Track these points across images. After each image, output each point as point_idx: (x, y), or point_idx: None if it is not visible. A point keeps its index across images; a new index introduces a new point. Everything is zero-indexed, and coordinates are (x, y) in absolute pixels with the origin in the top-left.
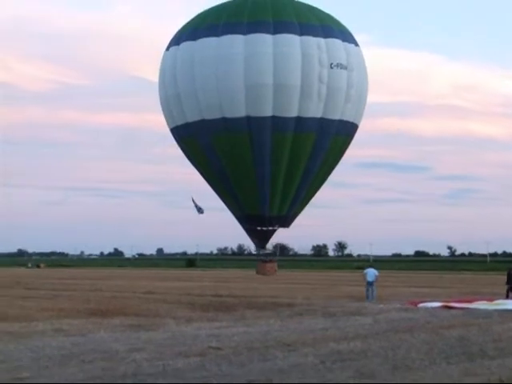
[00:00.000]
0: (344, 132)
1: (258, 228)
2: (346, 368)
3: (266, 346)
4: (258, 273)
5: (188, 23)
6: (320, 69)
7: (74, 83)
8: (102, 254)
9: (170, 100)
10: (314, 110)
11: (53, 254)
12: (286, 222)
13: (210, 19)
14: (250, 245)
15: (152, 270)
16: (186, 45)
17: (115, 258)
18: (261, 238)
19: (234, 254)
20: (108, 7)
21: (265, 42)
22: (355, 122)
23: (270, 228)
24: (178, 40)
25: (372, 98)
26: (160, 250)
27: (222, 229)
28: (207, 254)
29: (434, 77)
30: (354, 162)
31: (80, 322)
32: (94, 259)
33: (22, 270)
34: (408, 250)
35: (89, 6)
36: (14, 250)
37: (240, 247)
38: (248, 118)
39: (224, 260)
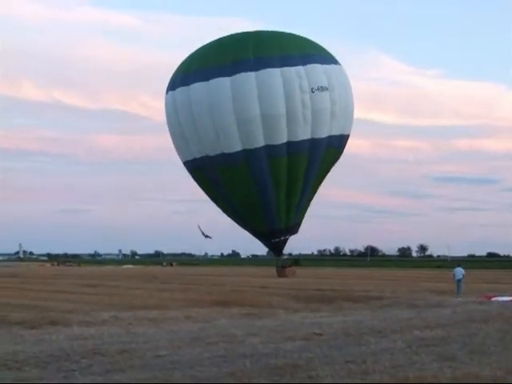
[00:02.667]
0: (334, 145)
1: (272, 240)
2: (429, 352)
3: (360, 332)
4: (279, 276)
5: (179, 67)
6: (302, 95)
7: None
8: (222, 254)
9: (177, 138)
10: (303, 133)
11: (183, 254)
12: (293, 230)
13: (197, 63)
14: (345, 247)
15: (263, 268)
16: (180, 90)
17: (233, 258)
18: (276, 248)
19: (331, 254)
20: None
21: (249, 79)
22: (344, 133)
23: (282, 238)
24: (173, 85)
25: (446, 121)
26: (270, 252)
27: (321, 233)
28: (309, 255)
29: (499, 103)
30: (433, 177)
31: (205, 310)
32: (215, 259)
33: (158, 268)
34: (481, 252)
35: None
36: (151, 251)
37: (337, 249)
38: (244, 151)
39: (323, 260)
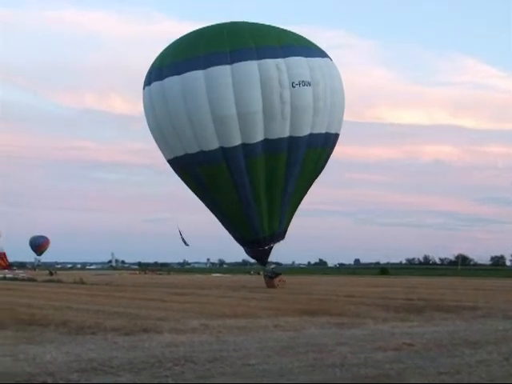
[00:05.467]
0: (318, 144)
1: (256, 249)
2: None
3: (453, 343)
4: (268, 287)
5: (154, 61)
6: (281, 90)
7: None
8: (309, 263)
9: (157, 136)
10: (281, 131)
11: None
12: (279, 237)
13: (171, 56)
14: (434, 255)
15: (351, 277)
16: (155, 84)
17: (320, 267)
18: (260, 258)
19: (420, 263)
20: None
21: (223, 73)
22: (330, 131)
23: (266, 247)
24: (149, 80)
25: None
26: (357, 260)
27: (410, 242)
28: (397, 264)
29: None
30: None
31: (294, 319)
32: (302, 268)
33: (246, 277)
34: None
35: None
36: (239, 260)
37: (426, 257)
38: (222, 149)
39: (412, 269)
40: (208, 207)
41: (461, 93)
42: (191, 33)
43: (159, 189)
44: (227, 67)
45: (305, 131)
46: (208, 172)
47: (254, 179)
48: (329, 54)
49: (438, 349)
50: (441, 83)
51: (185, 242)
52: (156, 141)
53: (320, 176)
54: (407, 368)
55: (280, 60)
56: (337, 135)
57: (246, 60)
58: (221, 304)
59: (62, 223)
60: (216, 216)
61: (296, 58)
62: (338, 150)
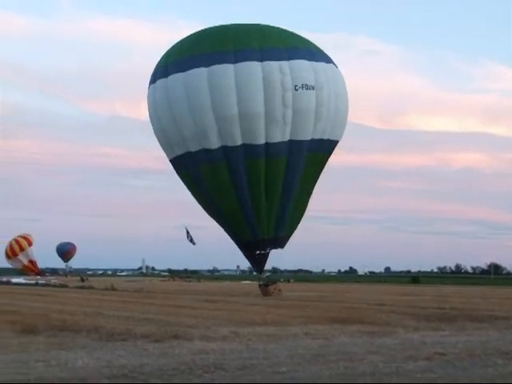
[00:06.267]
0: (319, 150)
1: (253, 252)
2: None
3: (486, 353)
4: (264, 295)
5: (161, 58)
6: (283, 92)
7: None
8: (339, 271)
9: (159, 134)
10: (281, 135)
11: (300, 271)
12: (278, 243)
13: (177, 53)
14: (466, 264)
15: (381, 285)
16: (160, 82)
17: (350, 275)
18: (258, 263)
19: (452, 272)
20: None
21: (227, 72)
22: (331, 138)
23: (263, 252)
24: (154, 78)
25: None
26: (387, 269)
27: (441, 250)
28: (428, 272)
29: None
30: None
31: (324, 327)
32: (332, 276)
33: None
34: None
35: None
36: (269, 267)
37: (458, 266)
38: (223, 148)
39: (443, 277)
40: (207, 209)
41: (492, 100)
42: (197, 32)
43: (189, 195)
44: (230, 66)
45: (306, 136)
46: (208, 171)
47: (252, 180)
48: (360, 61)
49: (471, 359)
50: (472, 90)
51: (192, 242)
52: (159, 140)
53: (350, 183)
54: (439, 378)
55: (284, 62)
56: (337, 142)
57: (250, 60)
58: (251, 311)
59: (93, 230)
60: (214, 218)
61: (300, 61)
62: (369, 158)
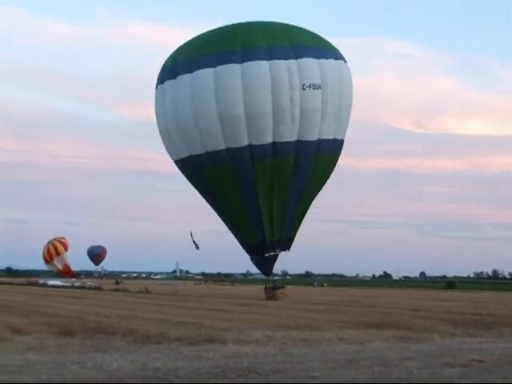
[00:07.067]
0: (326, 151)
1: (261, 255)
2: None
3: None
4: (268, 299)
5: (168, 59)
6: (291, 92)
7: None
8: (373, 276)
9: (164, 136)
10: (289, 134)
11: (333, 275)
12: (283, 244)
13: (184, 53)
14: (504, 270)
15: (416, 290)
16: (168, 83)
17: (384, 280)
18: (266, 265)
19: (489, 277)
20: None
21: (233, 72)
22: (337, 137)
23: (272, 253)
24: (162, 78)
25: None
26: (422, 273)
27: (478, 255)
28: (465, 278)
29: None
30: None
31: (358, 332)
32: (366, 280)
33: (308, 288)
34: None
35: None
36: (302, 271)
37: (495, 272)
38: (228, 150)
39: (480, 283)
40: (214, 209)
41: None
42: (205, 32)
43: None
44: (237, 66)
45: (313, 136)
46: (213, 172)
47: (259, 181)
48: (394, 65)
49: (510, 366)
50: (508, 92)
51: (196, 246)
52: (164, 142)
53: (386, 187)
54: None
55: (291, 61)
56: (342, 141)
57: (257, 60)
58: (284, 315)
59: (128, 233)
60: (222, 219)
61: (307, 59)
62: (405, 162)
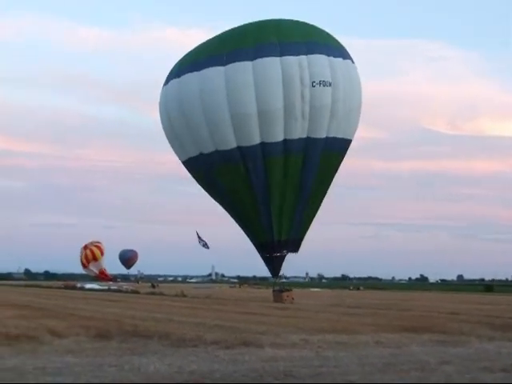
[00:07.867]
0: (334, 149)
1: (269, 255)
2: None
3: None
4: (275, 301)
5: (176, 63)
6: (302, 88)
7: (378, 137)
8: (409, 279)
9: (170, 136)
10: (300, 131)
11: (369, 278)
12: (293, 246)
13: (193, 56)
14: None
15: (453, 293)
16: (173, 82)
17: (421, 283)
18: (273, 265)
19: None
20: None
21: (244, 70)
22: (345, 137)
23: (279, 254)
24: (167, 79)
25: None
26: (460, 276)
27: None
28: (504, 281)
29: None
30: None
31: (395, 336)
32: (403, 283)
33: (345, 292)
34: None
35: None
36: (338, 274)
37: None
38: (239, 148)
39: None
40: (225, 208)
41: None
42: (215, 36)
43: None
44: (249, 64)
45: (322, 133)
46: (224, 171)
47: (270, 179)
48: (428, 67)
49: None
50: None
51: (205, 245)
52: (169, 142)
53: (423, 190)
54: None
55: (302, 57)
56: (350, 141)
57: (268, 56)
58: (320, 319)
59: (164, 237)
60: (233, 217)
61: (318, 55)
62: (441, 164)
